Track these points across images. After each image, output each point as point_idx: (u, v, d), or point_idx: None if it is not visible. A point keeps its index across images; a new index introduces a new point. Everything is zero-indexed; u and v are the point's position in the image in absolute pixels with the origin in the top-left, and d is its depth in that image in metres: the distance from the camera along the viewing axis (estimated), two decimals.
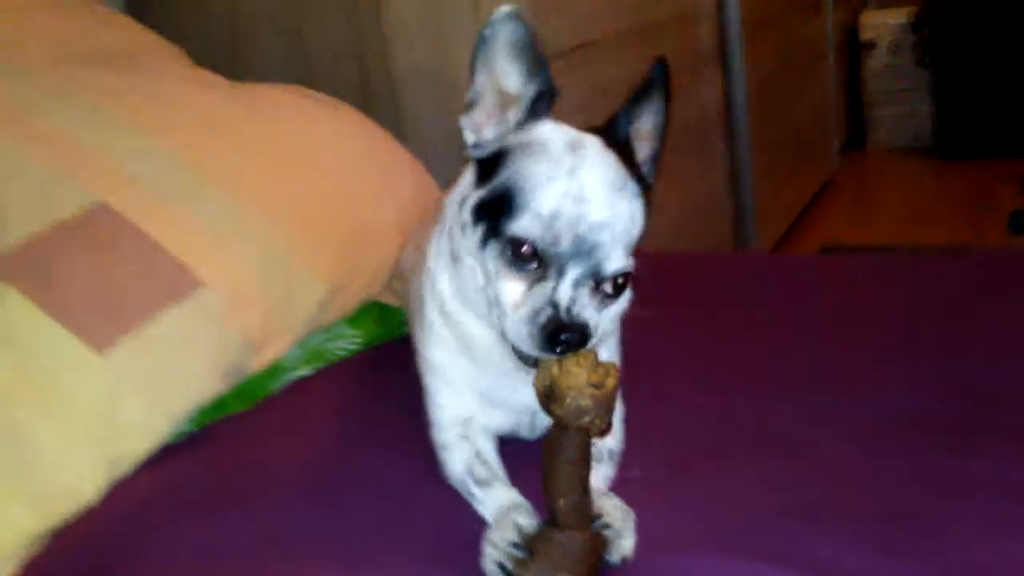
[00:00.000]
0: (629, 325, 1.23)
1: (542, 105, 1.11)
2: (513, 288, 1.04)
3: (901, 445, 1.23)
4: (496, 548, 1.01)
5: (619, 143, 1.11)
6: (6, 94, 1.55)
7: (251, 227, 1.53)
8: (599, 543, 0.99)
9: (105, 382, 1.34)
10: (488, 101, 1.12)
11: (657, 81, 1.13)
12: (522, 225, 1.02)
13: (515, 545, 1.00)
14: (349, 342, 1.67)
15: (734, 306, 1.71)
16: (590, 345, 1.02)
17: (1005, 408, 1.29)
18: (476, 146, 1.14)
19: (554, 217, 1.01)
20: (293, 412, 1.49)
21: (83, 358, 1.32)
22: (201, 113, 1.71)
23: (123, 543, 1.21)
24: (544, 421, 1.13)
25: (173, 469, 1.36)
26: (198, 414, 1.43)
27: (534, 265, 1.03)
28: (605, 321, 1.07)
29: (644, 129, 1.15)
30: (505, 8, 1.06)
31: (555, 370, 0.98)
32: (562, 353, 1.00)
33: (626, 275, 1.06)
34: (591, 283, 1.04)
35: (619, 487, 1.15)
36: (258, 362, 1.50)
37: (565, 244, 1.01)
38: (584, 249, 1.01)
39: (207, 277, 1.43)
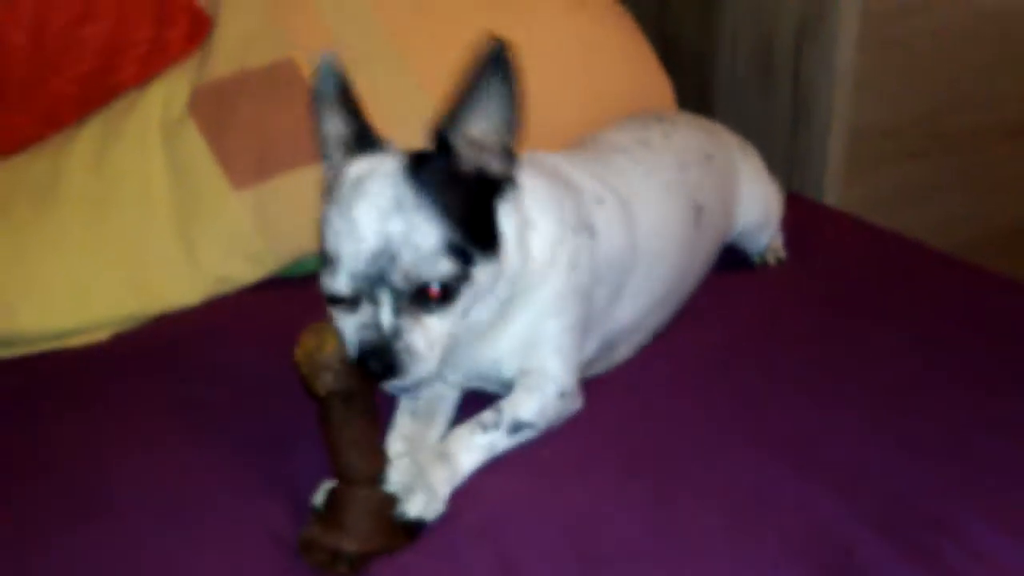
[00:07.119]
0: None
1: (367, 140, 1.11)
2: (342, 321, 1.06)
3: None
4: (312, 501, 1.07)
5: (437, 157, 1.07)
6: None
7: (418, 112, 1.50)
8: (386, 500, 1.04)
9: (233, 217, 1.61)
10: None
11: (491, 71, 1.04)
12: (323, 283, 1.06)
13: (315, 506, 1.06)
14: None
15: None
16: (421, 362, 1.04)
17: None
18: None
19: (336, 262, 1.03)
20: None
21: (222, 192, 1.60)
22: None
23: (199, 338, 1.51)
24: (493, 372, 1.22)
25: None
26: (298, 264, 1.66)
27: (351, 301, 1.05)
28: (445, 323, 1.07)
29: (479, 131, 1.07)
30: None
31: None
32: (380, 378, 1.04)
33: (448, 279, 1.04)
34: (409, 298, 1.04)
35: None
36: None
37: (352, 285, 1.03)
38: (375, 277, 1.03)
39: None
